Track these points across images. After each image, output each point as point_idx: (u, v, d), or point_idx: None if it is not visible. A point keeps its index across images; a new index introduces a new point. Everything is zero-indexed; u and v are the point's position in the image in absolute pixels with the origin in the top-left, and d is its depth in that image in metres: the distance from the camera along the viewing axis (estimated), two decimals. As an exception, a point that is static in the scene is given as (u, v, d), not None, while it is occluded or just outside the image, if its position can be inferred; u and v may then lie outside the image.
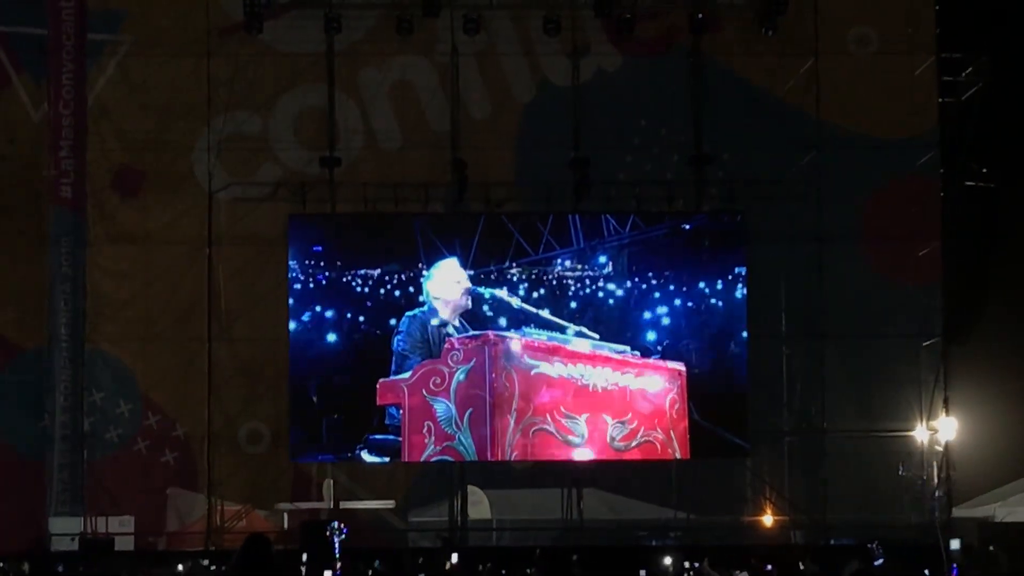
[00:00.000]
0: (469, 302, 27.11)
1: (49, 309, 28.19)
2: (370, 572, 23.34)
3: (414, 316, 27.09)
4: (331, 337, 27.37)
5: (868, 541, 23.15)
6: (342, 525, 22.18)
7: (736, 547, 26.43)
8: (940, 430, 28.15)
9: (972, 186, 28.37)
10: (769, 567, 19.45)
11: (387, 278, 27.34)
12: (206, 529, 27.89)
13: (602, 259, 27.66)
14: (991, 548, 23.31)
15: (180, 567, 25.57)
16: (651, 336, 27.49)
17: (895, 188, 28.53)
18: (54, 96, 28.33)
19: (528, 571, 20.56)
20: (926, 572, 22.38)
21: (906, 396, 28.52)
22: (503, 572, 22.60)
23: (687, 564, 23.11)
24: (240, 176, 28.43)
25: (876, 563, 20.85)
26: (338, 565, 21.55)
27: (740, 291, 27.68)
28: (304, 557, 22.17)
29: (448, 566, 24.06)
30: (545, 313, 27.24)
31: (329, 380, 27.39)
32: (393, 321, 27.16)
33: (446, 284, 27.15)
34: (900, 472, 27.68)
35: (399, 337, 27.01)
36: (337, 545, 21.55)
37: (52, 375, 28.11)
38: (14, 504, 27.76)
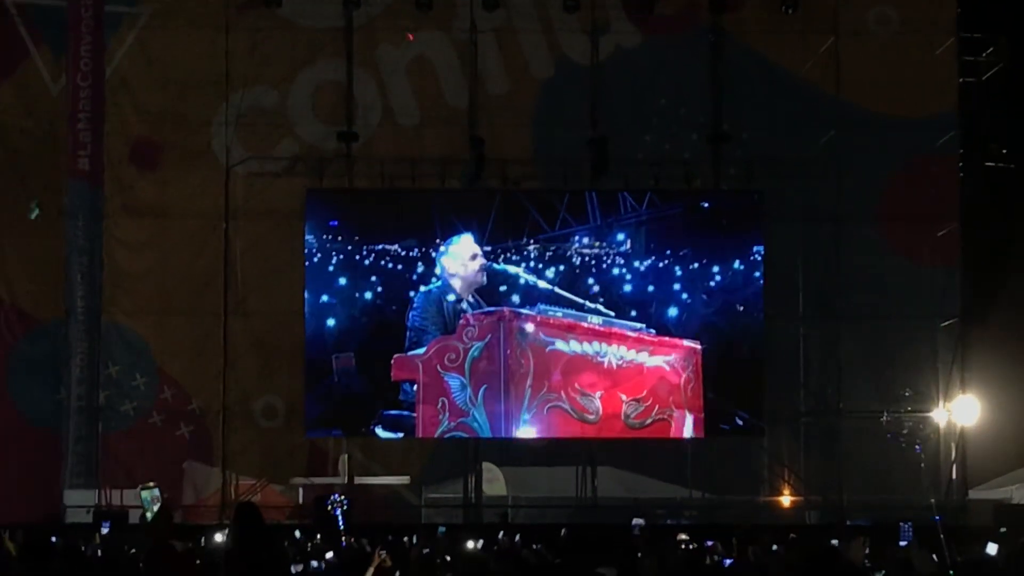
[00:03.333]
0: (484, 278, 27.08)
1: (66, 281, 28.24)
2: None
3: (429, 292, 27.06)
4: (346, 312, 27.35)
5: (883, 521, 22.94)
6: (343, 497, 21.95)
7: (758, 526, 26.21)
8: (957, 411, 28.06)
9: (991, 167, 28.25)
10: (775, 547, 19.29)
11: (403, 253, 27.29)
12: (220, 503, 27.90)
13: (620, 236, 27.55)
14: (1003, 530, 23.13)
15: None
16: (667, 314, 27.39)
17: (914, 168, 28.39)
18: (72, 69, 28.35)
19: (535, 546, 20.30)
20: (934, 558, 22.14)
21: (924, 377, 28.44)
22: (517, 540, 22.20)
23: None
24: (258, 150, 28.44)
25: (902, 543, 20.58)
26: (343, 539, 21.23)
27: (757, 270, 27.57)
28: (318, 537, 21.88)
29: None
30: (561, 290, 27.18)
31: (344, 355, 27.33)
32: (409, 296, 27.14)
33: (462, 260, 27.11)
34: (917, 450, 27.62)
35: (414, 312, 26.99)
36: (340, 518, 21.22)
37: (68, 348, 28.18)
38: (30, 476, 27.85)
